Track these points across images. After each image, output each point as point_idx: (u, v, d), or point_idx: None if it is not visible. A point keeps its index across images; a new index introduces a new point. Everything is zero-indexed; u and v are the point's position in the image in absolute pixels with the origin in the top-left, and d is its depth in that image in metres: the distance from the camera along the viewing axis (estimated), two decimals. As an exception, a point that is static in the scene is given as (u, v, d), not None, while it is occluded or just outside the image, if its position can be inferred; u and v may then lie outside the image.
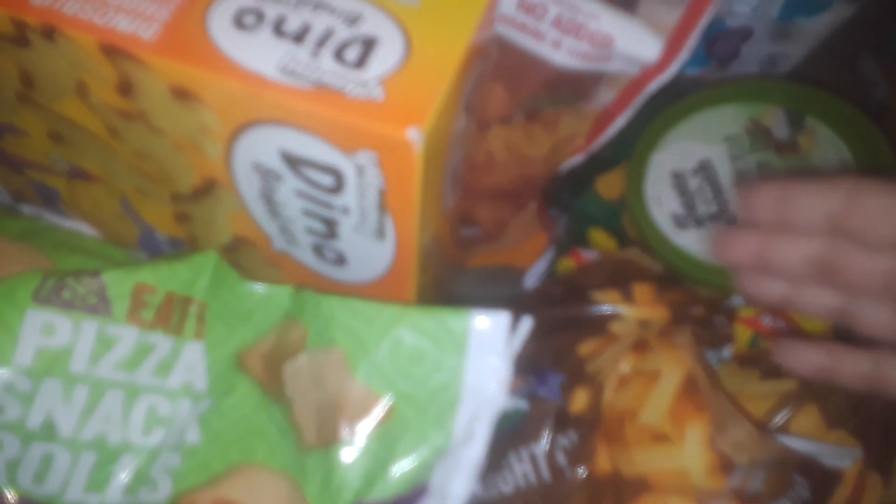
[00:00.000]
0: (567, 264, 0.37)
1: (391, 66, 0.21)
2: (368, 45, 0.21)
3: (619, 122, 0.32)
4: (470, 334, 0.23)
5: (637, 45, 0.28)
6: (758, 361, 0.32)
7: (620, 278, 0.33)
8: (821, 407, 0.29)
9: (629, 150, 0.36)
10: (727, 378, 0.31)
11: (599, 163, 0.37)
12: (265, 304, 0.27)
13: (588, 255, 0.37)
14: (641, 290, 0.32)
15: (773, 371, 0.31)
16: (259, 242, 0.27)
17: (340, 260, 0.26)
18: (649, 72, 0.30)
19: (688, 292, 0.32)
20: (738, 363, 0.33)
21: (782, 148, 0.34)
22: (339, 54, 0.21)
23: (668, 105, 0.36)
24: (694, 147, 0.36)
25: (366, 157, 0.20)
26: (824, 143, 0.34)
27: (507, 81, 0.31)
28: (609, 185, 0.40)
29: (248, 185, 0.24)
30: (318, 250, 0.26)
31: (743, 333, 0.33)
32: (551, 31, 0.29)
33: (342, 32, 0.21)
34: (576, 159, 0.35)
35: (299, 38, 0.21)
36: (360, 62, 0.21)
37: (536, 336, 0.33)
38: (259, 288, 0.27)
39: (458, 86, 0.22)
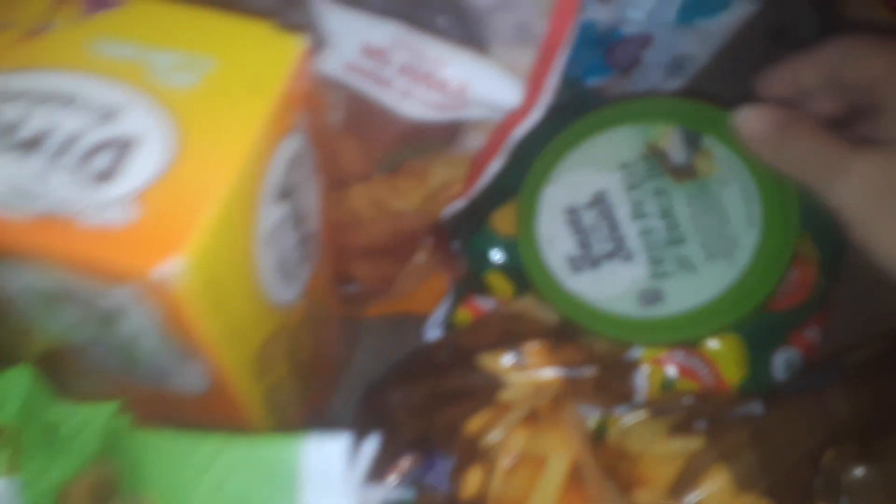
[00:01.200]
0: (464, 315, 0.34)
1: (151, 174, 0.17)
2: (123, 148, 0.17)
3: (493, 167, 0.29)
4: (302, 468, 0.19)
5: (494, 90, 0.25)
6: (670, 407, 0.30)
7: (512, 336, 0.30)
8: (730, 467, 0.27)
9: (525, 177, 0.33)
10: (636, 435, 0.29)
11: (493, 194, 0.34)
12: (85, 427, 0.23)
13: (483, 305, 0.34)
14: (532, 352, 0.29)
15: (683, 423, 0.29)
16: (72, 356, 0.24)
17: (159, 375, 0.22)
18: (513, 116, 0.26)
19: (584, 348, 0.29)
20: (650, 411, 0.30)
21: (679, 173, 0.31)
22: (82, 165, 0.17)
23: (568, 124, 0.33)
24: (588, 177, 0.32)
25: (123, 293, 0.17)
26: (721, 164, 0.31)
27: (358, 136, 0.27)
28: (506, 220, 0.36)
29: (33, 310, 0.20)
30: (130, 369, 0.22)
31: (655, 375, 0.31)
32: (399, 79, 0.26)
33: (92, 135, 0.17)
34: (457, 204, 0.32)
35: (33, 146, 0.17)
36: (109, 174, 0.17)
37: (422, 412, 0.30)
38: (77, 409, 0.23)
39: (250, 183, 0.18)
